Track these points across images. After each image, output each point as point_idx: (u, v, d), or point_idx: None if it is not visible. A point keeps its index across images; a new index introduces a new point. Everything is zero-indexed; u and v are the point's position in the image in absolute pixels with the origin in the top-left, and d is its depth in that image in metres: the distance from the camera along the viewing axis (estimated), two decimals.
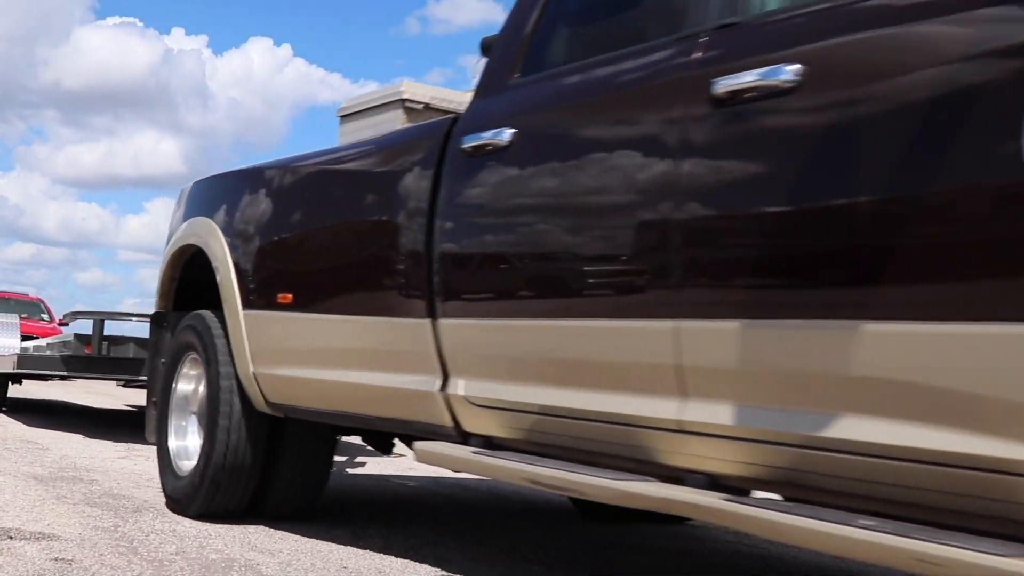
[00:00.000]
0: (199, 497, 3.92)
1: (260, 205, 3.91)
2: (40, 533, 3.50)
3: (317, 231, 3.67)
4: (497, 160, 2.82)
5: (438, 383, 2.99)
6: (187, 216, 4.40)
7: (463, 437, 2.98)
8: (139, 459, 6.02)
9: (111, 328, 7.60)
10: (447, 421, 3.01)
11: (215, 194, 4.29)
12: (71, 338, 7.43)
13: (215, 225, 4.06)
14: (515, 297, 2.80)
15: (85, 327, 7.64)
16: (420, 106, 3.97)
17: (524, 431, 2.77)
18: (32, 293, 21.87)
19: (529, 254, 2.76)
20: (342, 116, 4.33)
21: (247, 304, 3.76)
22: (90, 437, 7.23)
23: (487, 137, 2.86)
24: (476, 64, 3.25)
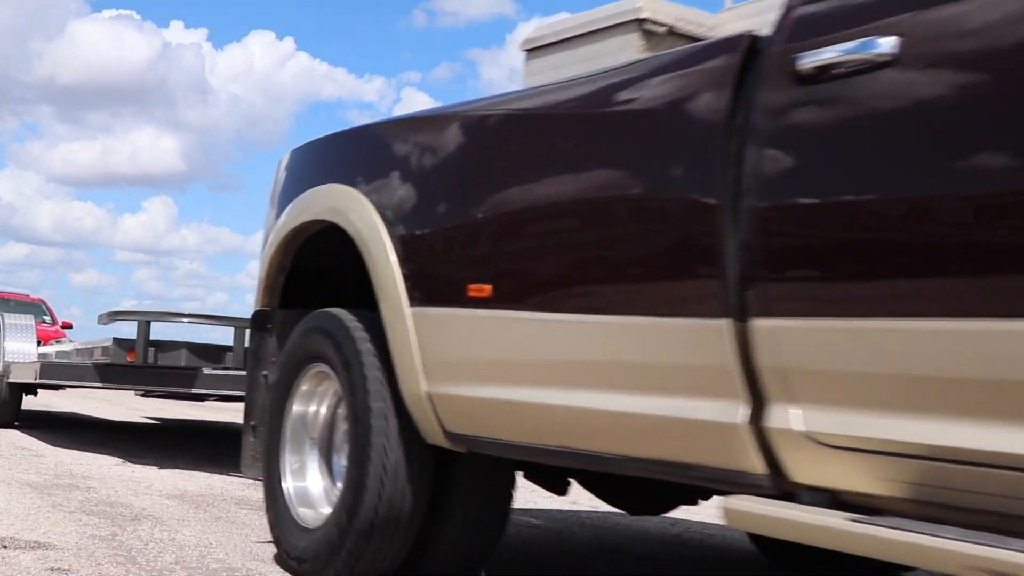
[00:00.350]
0: (338, 558, 2.96)
1: (435, 164, 2.94)
2: (35, 542, 3.41)
3: (529, 195, 2.63)
4: (860, 85, 1.94)
5: (744, 412, 2.06)
6: (303, 186, 3.40)
7: (782, 489, 2.07)
8: (137, 466, 5.93)
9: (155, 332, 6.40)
10: (757, 466, 2.08)
11: (355, 154, 3.32)
12: (109, 343, 6.34)
13: (359, 194, 3.06)
14: (893, 286, 1.85)
15: (113, 331, 6.66)
16: (663, 29, 3.03)
17: (907, 485, 1.85)
18: (31, 294, 20.87)
19: (925, 221, 1.82)
20: (531, 49, 3.38)
21: (418, 299, 2.80)
22: (87, 443, 7.14)
23: (843, 52, 1.96)
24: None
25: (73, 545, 3.40)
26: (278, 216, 3.51)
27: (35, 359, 7.69)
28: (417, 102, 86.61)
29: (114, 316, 6.46)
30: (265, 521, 4.18)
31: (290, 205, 3.42)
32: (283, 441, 3.27)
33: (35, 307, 19.19)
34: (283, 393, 3.31)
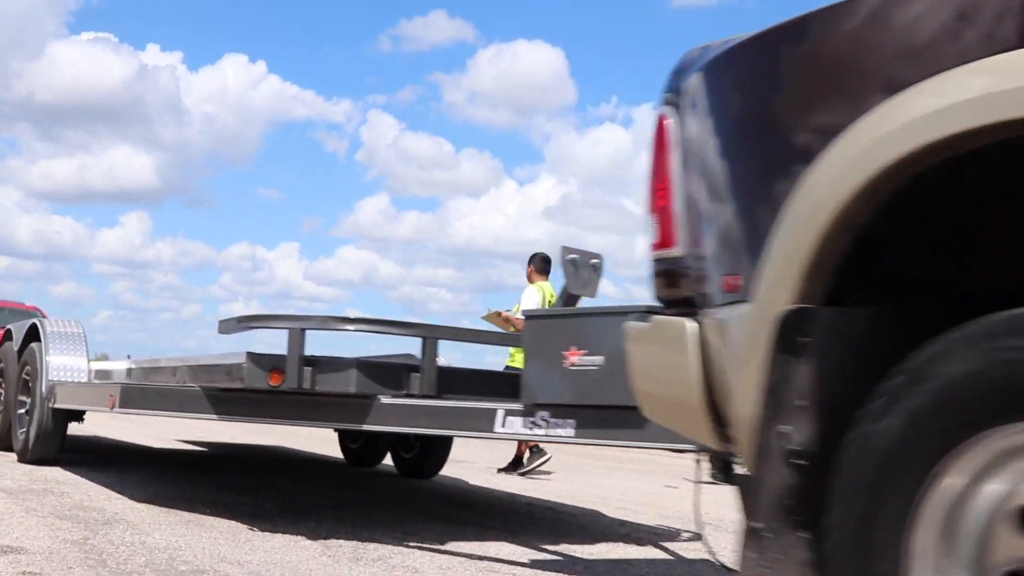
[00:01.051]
0: None
1: None
2: (7, 547, 3.54)
3: None
4: None
5: None
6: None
7: None
8: (111, 471, 6.05)
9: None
10: None
11: None
12: (242, 360, 4.35)
13: None
14: None
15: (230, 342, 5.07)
16: None
17: None
18: (26, 302, 19.85)
19: None
20: None
21: None
22: (62, 449, 7.24)
23: None
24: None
25: (45, 549, 3.54)
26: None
27: (88, 377, 6.24)
28: (383, 123, 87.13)
29: (247, 322, 4.66)
30: (235, 525, 4.34)
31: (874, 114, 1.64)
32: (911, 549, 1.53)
33: (30, 317, 18.50)
34: (909, 473, 1.55)
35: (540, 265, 8.50)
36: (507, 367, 8.33)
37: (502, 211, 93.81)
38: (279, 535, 4.19)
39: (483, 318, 8.37)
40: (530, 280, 8.44)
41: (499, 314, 8.14)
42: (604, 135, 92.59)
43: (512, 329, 7.81)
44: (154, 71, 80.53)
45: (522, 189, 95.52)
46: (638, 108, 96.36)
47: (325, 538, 4.20)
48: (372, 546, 4.08)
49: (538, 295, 8.24)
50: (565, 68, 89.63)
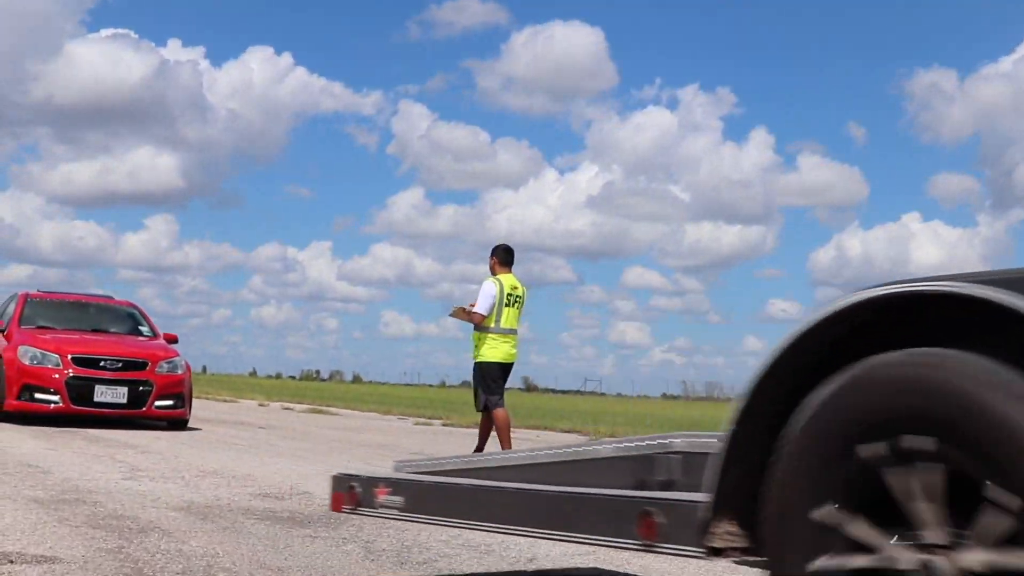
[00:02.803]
0: None
1: None
2: (42, 556, 3.57)
3: None
4: None
5: None
6: None
7: None
8: (143, 479, 6.11)
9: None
10: None
11: None
12: None
13: None
14: None
15: None
16: None
17: None
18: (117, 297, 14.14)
19: None
20: None
21: None
22: (92, 459, 7.33)
23: None
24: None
25: (80, 558, 3.57)
26: None
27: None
28: (415, 113, 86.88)
29: None
30: (274, 530, 4.36)
31: None
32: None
33: (125, 316, 13.47)
34: None
35: (503, 256, 8.75)
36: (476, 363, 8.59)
37: (543, 202, 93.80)
38: (320, 540, 4.20)
39: (450, 315, 8.82)
40: (493, 272, 8.69)
41: (464, 310, 8.56)
42: (648, 119, 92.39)
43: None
44: (175, 67, 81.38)
45: (563, 178, 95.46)
46: (683, 89, 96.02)
47: (367, 542, 4.21)
48: (416, 550, 4.08)
49: (495, 287, 8.53)
50: (604, 49, 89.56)
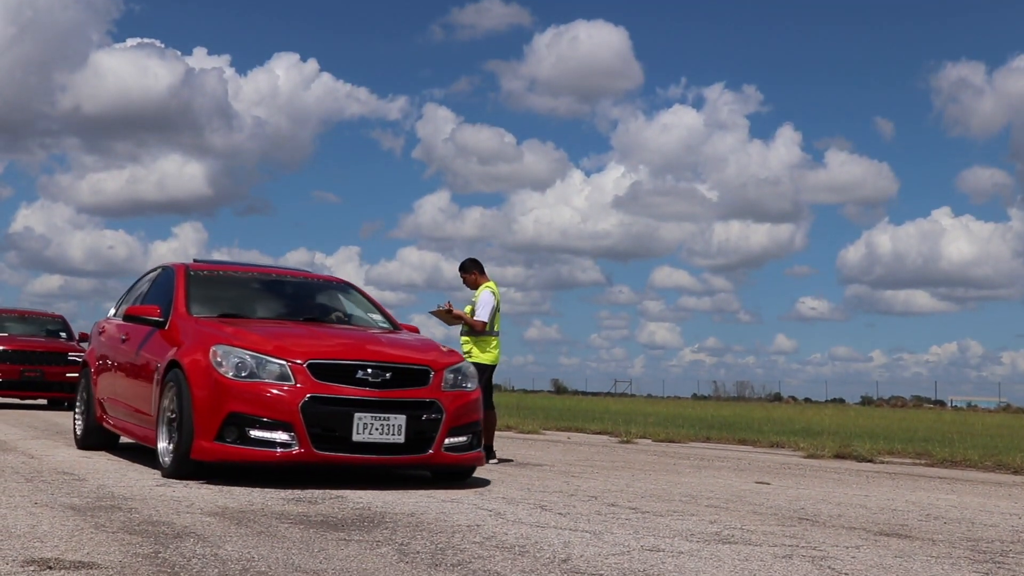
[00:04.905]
0: None
1: None
2: (79, 562, 3.62)
3: None
4: None
5: None
6: None
7: None
8: (177, 486, 6.16)
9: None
10: None
11: None
12: None
13: None
14: None
15: None
16: None
17: None
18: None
19: None
20: None
21: None
22: (126, 466, 7.39)
23: None
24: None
25: (117, 563, 3.61)
26: None
27: None
28: (440, 117, 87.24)
29: None
30: (308, 533, 4.39)
31: None
32: None
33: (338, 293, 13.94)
34: None
35: (481, 267, 9.44)
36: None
37: (569, 204, 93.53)
38: (354, 543, 4.23)
39: (431, 313, 9.22)
40: (477, 284, 9.30)
41: (449, 311, 9.03)
42: (674, 118, 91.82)
43: (462, 325, 9.04)
44: (201, 75, 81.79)
45: (589, 180, 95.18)
46: (708, 88, 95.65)
47: (402, 543, 4.23)
48: (451, 552, 4.10)
49: (493, 297, 9.13)
50: (629, 49, 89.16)
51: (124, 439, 8.31)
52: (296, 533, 4.44)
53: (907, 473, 9.93)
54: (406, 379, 6.59)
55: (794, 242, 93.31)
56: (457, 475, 7.04)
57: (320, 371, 6.39)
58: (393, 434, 6.37)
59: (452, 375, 6.83)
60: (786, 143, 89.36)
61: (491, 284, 9.26)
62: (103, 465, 7.41)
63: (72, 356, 17.40)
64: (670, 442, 14.45)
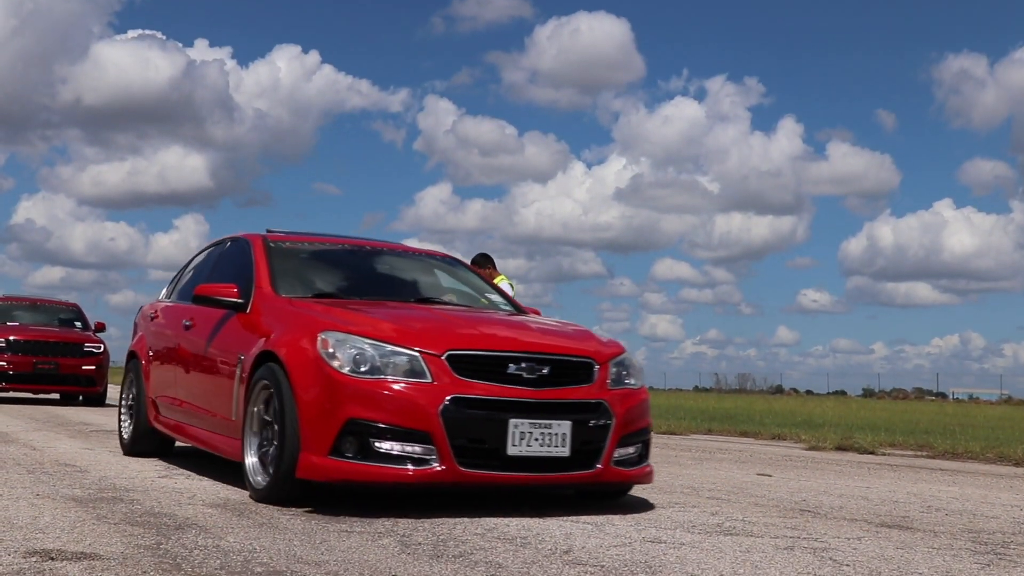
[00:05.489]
0: None
1: None
2: (82, 553, 3.62)
3: None
4: None
5: None
6: None
7: None
8: (179, 478, 6.17)
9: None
10: None
11: None
12: None
13: None
14: None
15: None
16: None
17: None
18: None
19: None
20: None
21: None
22: (127, 458, 7.40)
23: None
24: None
25: (119, 554, 3.62)
26: None
27: None
28: (441, 109, 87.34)
29: None
30: (310, 525, 4.40)
31: None
32: None
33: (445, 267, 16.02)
34: None
35: (494, 262, 9.60)
36: None
37: (571, 196, 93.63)
38: (356, 534, 4.23)
39: None
40: (491, 278, 9.33)
41: None
42: (675, 111, 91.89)
43: None
44: (202, 67, 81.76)
45: (591, 172, 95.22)
46: (710, 80, 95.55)
47: (404, 535, 4.24)
48: (453, 542, 4.10)
49: (511, 288, 9.28)
50: (631, 41, 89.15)
51: (181, 442, 7.11)
52: (298, 524, 4.45)
53: (909, 465, 9.94)
54: (566, 375, 5.20)
55: (796, 234, 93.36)
56: (610, 494, 5.76)
57: (462, 365, 4.95)
58: (556, 445, 4.99)
59: (616, 369, 5.45)
60: (788, 135, 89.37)
61: (503, 277, 9.24)
62: (104, 457, 7.43)
63: (88, 347, 16.27)
64: (671, 434, 14.45)
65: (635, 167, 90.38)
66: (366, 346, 4.97)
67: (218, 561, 3.56)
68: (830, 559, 4.11)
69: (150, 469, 6.65)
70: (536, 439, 4.93)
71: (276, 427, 5.10)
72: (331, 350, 4.97)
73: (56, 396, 17.58)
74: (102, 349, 16.36)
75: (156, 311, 7.79)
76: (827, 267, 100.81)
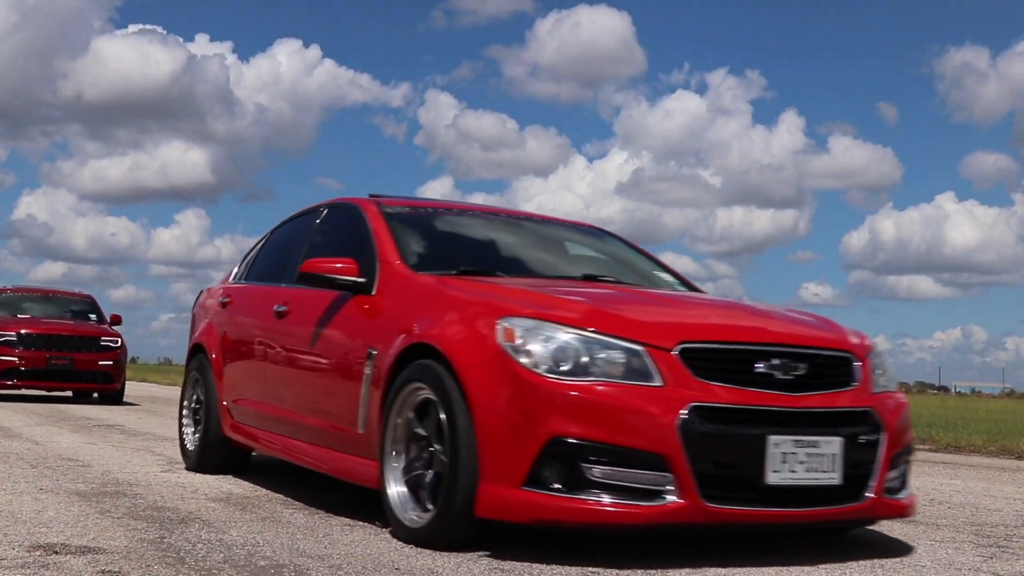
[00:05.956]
0: None
1: None
2: (85, 547, 3.63)
3: None
4: None
5: None
6: None
7: None
8: (182, 472, 6.18)
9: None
10: None
11: None
12: None
13: None
14: None
15: None
16: None
17: None
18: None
19: None
20: None
21: None
22: (131, 453, 7.42)
23: None
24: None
25: (123, 548, 3.62)
26: None
27: None
28: (442, 103, 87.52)
29: None
30: (313, 519, 4.40)
31: None
32: None
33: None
34: None
35: None
36: None
37: (572, 190, 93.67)
38: (359, 528, 4.24)
39: None
40: None
41: None
42: (677, 104, 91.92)
43: None
44: (203, 62, 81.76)
45: (592, 166, 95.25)
46: (712, 73, 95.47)
47: None
48: None
49: None
50: (632, 35, 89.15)
51: (261, 453, 5.95)
52: (301, 519, 4.46)
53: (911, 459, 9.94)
54: (824, 375, 3.97)
55: (797, 228, 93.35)
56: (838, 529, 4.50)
57: (699, 363, 3.71)
58: (825, 470, 3.78)
59: (874, 367, 4.20)
60: (789, 128, 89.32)
61: None
62: (107, 452, 7.44)
63: (105, 341, 15.00)
64: None
65: (636, 161, 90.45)
66: (568, 337, 3.71)
67: (221, 555, 3.57)
68: (833, 552, 4.11)
69: (153, 464, 6.66)
70: (801, 462, 3.71)
71: (437, 446, 3.91)
72: (520, 342, 3.71)
73: (69, 394, 16.58)
74: (119, 343, 15.22)
75: (229, 295, 6.42)
76: (829, 261, 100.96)
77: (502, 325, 3.78)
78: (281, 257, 6.03)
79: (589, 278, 5.01)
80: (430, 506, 3.91)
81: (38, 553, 3.49)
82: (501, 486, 3.62)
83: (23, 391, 15.96)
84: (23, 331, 14.68)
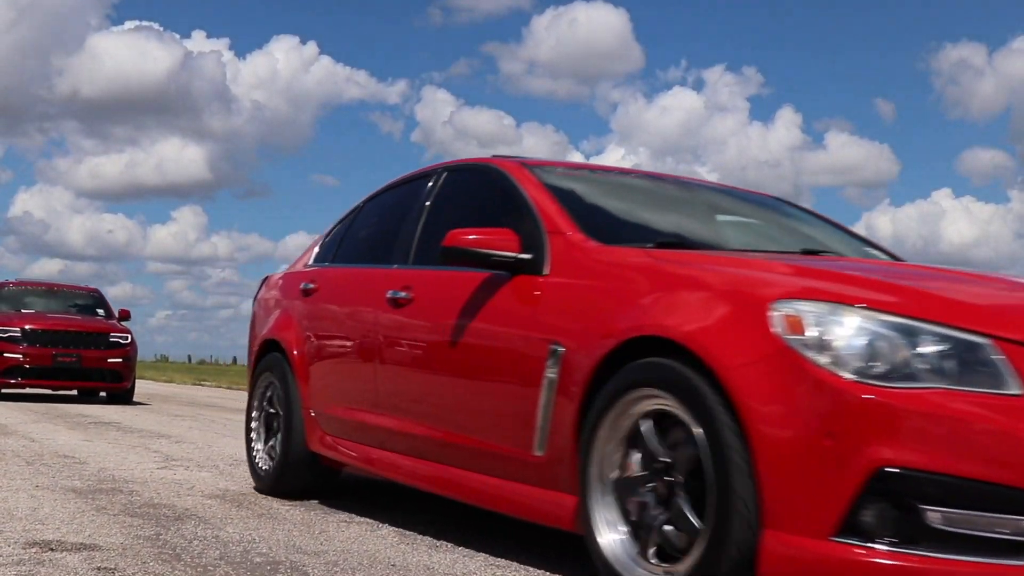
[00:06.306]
0: None
1: None
2: (81, 544, 3.63)
3: None
4: None
5: None
6: None
7: None
8: (178, 469, 6.18)
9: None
10: None
11: None
12: None
13: None
14: None
15: None
16: None
17: None
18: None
19: None
20: None
21: None
22: (127, 450, 7.42)
23: None
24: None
25: (118, 545, 3.63)
26: None
27: None
28: (438, 100, 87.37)
29: None
30: (309, 516, 4.41)
31: None
32: None
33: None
34: None
35: None
36: None
37: None
38: (355, 525, 4.25)
39: None
40: None
41: None
42: (674, 101, 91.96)
43: None
44: (200, 59, 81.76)
45: (589, 162, 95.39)
46: (709, 70, 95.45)
47: (402, 526, 4.25)
48: (452, 533, 4.12)
49: None
50: (629, 31, 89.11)
51: (358, 472, 4.93)
52: (297, 515, 4.46)
53: None
54: None
55: None
56: None
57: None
58: None
59: None
60: (786, 125, 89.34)
61: None
62: (103, 449, 7.43)
63: (115, 337, 14.25)
64: None
65: (634, 157, 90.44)
66: (879, 326, 2.61)
67: (217, 552, 3.57)
68: None
69: (149, 460, 6.66)
70: None
71: (679, 476, 2.90)
72: (814, 333, 2.63)
73: (73, 392, 15.81)
74: (129, 339, 14.47)
75: (314, 280, 5.25)
76: None
77: (780, 311, 2.71)
78: (386, 232, 4.90)
79: (810, 252, 3.90)
80: (670, 563, 2.86)
81: (34, 550, 3.50)
82: (798, 535, 2.57)
83: (27, 390, 15.21)
84: (28, 327, 13.91)
